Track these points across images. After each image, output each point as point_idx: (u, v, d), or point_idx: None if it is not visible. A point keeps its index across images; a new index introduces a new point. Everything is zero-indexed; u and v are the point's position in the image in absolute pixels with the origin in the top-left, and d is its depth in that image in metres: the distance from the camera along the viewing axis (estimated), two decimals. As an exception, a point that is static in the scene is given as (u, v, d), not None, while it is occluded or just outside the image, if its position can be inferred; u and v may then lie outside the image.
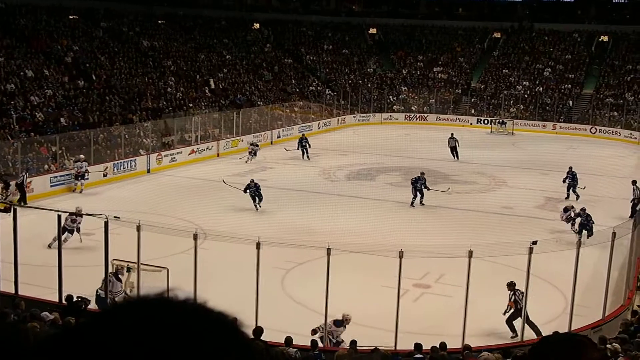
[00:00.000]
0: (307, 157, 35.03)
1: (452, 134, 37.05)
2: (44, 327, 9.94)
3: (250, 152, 33.93)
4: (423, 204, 25.35)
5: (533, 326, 14.12)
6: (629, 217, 22.58)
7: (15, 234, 14.61)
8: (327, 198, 26.14)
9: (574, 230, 20.93)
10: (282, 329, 13.59)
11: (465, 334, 13.19)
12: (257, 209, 23.65)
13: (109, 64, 40.62)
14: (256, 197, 24.15)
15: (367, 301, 15.44)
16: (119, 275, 14.84)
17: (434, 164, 33.90)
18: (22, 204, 22.90)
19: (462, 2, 66.73)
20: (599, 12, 61.55)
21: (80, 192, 26.22)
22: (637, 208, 22.64)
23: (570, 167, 27.41)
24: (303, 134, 37.07)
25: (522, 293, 14.16)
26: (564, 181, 27.11)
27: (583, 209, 21.25)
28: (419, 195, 25.36)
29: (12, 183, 24.28)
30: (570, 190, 26.81)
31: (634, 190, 24.56)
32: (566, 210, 21.95)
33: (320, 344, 12.51)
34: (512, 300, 14.39)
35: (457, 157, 35.76)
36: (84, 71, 38.29)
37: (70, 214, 18.33)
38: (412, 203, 25.30)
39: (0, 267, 14.81)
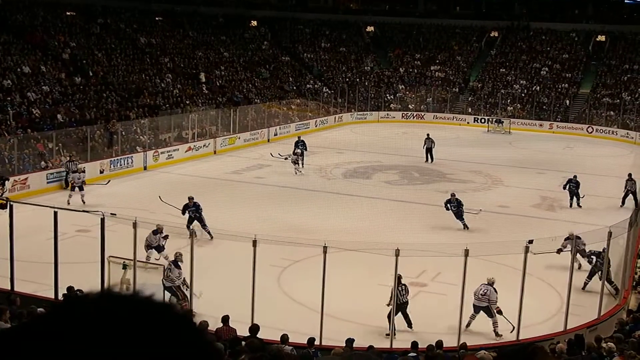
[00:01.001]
0: (302, 165, 30.51)
1: (428, 135, 35.09)
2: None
3: (294, 162, 30.17)
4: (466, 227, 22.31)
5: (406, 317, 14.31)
6: (620, 206, 25.55)
7: (12, 230, 14.61)
8: (324, 196, 26.15)
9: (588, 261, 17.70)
10: (278, 326, 13.59)
11: (461, 333, 13.21)
12: (195, 236, 15.08)
13: (106, 61, 40.58)
14: (194, 220, 19.74)
15: (363, 299, 15.45)
16: (178, 263, 15.09)
17: (431, 163, 33.94)
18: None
19: (459, 0, 66.73)
20: (596, 12, 61.63)
21: (83, 203, 23.22)
22: (627, 199, 25.76)
23: (575, 176, 25.92)
24: (299, 137, 33.43)
25: (405, 288, 14.27)
26: (564, 188, 25.85)
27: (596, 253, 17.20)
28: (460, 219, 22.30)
29: (10, 179, 24.30)
30: (574, 199, 25.59)
31: (627, 182, 26.19)
32: (567, 240, 17.62)
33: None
34: (394, 294, 14.00)
35: (432, 160, 34.15)
36: (81, 68, 38.23)
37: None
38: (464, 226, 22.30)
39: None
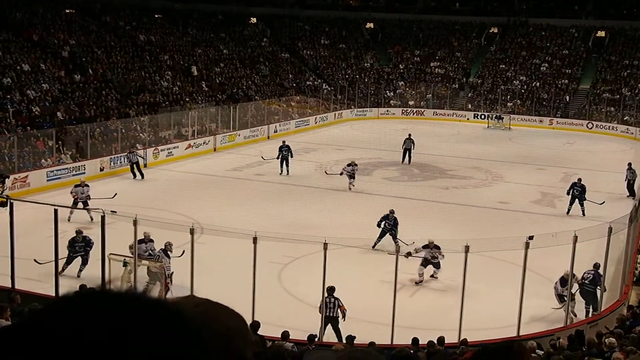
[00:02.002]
0: (287, 171, 29.20)
1: (409, 135, 33.40)
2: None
3: (350, 176, 26.93)
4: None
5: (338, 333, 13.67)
6: (627, 196, 25.79)
7: (12, 227, 14.61)
8: (324, 193, 26.14)
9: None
10: (279, 323, 13.60)
11: (462, 328, 13.22)
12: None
13: (106, 58, 40.55)
14: (74, 259, 16.52)
15: (363, 296, 15.45)
16: (168, 252, 15.47)
17: (431, 159, 33.93)
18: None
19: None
20: (595, 7, 61.53)
21: (91, 220, 20.05)
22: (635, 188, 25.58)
23: (580, 179, 24.07)
24: (284, 141, 30.55)
25: (337, 303, 13.67)
26: (568, 193, 23.91)
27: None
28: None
29: (10, 177, 24.28)
30: (576, 203, 23.52)
31: (629, 171, 26.75)
32: (563, 281, 15.35)
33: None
34: (330, 306, 13.71)
35: (409, 161, 32.80)
36: (80, 65, 38.20)
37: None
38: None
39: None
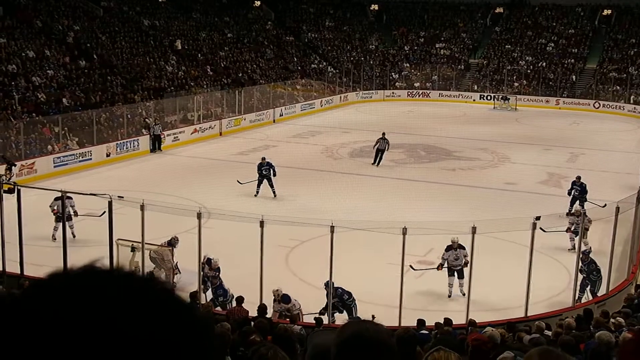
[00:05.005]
0: (274, 192, 23.29)
1: (383, 134, 28.99)
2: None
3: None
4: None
5: None
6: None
7: (20, 214, 14.66)
8: (331, 176, 26.12)
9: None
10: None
11: (469, 310, 13.24)
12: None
13: (110, 44, 40.49)
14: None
15: (370, 278, 15.48)
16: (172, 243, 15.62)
17: (437, 141, 33.87)
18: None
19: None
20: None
21: (73, 237, 18.07)
22: None
23: (579, 177, 22.08)
24: (263, 158, 24.18)
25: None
26: (569, 193, 21.91)
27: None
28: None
29: (17, 164, 24.35)
30: (577, 204, 21.21)
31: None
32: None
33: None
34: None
35: (379, 163, 28.55)
36: (85, 51, 38.15)
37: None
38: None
39: (5, 248, 14.88)
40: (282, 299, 13.70)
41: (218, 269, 14.90)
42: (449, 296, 15.46)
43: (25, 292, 0.85)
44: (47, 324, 0.80)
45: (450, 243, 15.60)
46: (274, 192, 23.20)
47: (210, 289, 14.87)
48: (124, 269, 0.90)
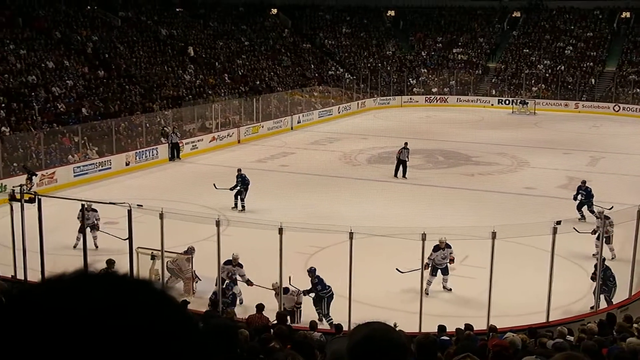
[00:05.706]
0: (242, 206, 22.36)
1: (405, 144, 27.52)
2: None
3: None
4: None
5: None
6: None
7: (41, 224, 14.75)
8: (349, 182, 26.11)
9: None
10: (306, 313, 13.64)
11: (490, 315, 13.15)
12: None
13: (128, 53, 40.78)
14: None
15: (391, 285, 15.43)
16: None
17: (455, 146, 33.75)
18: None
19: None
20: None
21: (96, 247, 18.03)
22: None
23: (584, 182, 21.70)
24: (239, 170, 23.25)
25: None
26: (574, 198, 21.49)
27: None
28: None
29: (38, 174, 24.53)
30: (584, 209, 21.18)
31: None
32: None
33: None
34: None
35: (400, 175, 27.09)
36: (103, 61, 38.46)
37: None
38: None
39: (27, 257, 14.97)
40: (284, 291, 13.95)
41: (240, 265, 15.16)
42: (427, 294, 15.36)
43: (19, 293, 0.86)
44: (35, 322, 0.81)
45: (438, 243, 15.87)
46: (242, 205, 22.27)
47: (226, 285, 14.95)
48: (117, 272, 0.91)
